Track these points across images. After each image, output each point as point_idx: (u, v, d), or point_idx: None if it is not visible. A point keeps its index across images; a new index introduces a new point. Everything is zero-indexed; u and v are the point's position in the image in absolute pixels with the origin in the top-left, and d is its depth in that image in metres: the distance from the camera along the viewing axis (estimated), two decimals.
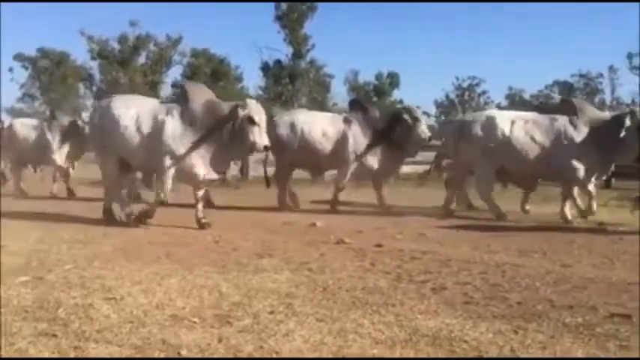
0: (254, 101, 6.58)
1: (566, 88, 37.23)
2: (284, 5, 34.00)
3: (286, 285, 3.75)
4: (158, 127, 6.36)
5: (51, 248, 4.84)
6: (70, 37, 60.53)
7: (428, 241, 5.61)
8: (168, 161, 6.32)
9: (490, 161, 7.36)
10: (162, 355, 2.52)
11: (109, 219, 6.56)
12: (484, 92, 39.18)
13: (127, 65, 35.95)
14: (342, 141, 8.16)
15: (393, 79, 38.20)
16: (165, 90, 37.92)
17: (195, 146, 6.30)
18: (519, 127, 7.31)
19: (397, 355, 2.56)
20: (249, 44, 49.51)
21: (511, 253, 5.04)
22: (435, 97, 40.95)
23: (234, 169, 14.73)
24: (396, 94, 38.70)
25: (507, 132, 7.29)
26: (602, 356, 2.61)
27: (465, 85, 38.68)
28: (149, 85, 35.51)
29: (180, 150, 6.29)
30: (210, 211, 8.11)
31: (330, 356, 2.54)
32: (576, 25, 48.61)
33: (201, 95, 6.59)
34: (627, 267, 4.53)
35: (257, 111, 6.34)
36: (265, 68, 35.61)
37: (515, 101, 38.31)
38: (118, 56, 36.09)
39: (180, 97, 6.66)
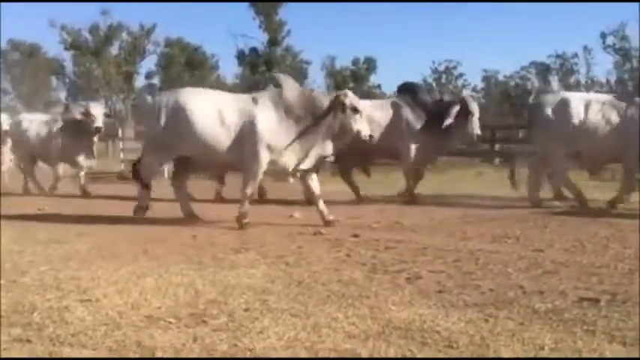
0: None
1: (542, 69, 37.49)
2: None
3: (262, 280, 3.78)
4: (249, 120, 6.03)
5: (25, 249, 4.80)
6: (39, 29, 59.51)
7: (404, 230, 5.67)
8: (264, 155, 6.01)
9: (565, 146, 7.09)
10: (136, 358, 2.54)
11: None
12: (461, 75, 39.35)
13: (100, 56, 35.46)
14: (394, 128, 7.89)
15: (370, 65, 38.22)
16: (140, 81, 37.57)
17: (298, 138, 6.04)
18: (595, 110, 7.08)
19: (370, 349, 2.60)
20: (225, 32, 49.07)
21: (485, 239, 5.12)
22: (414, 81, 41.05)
23: None
24: (374, 79, 38.77)
25: (583, 115, 7.06)
26: (570, 341, 2.67)
27: (441, 68, 38.76)
28: (124, 75, 35.11)
29: (277, 143, 6.02)
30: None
31: (304, 352, 2.57)
32: (550, 5, 48.80)
33: (294, 86, 6.38)
34: (597, 250, 4.63)
35: (358, 100, 6.25)
36: (241, 56, 35.39)
37: (492, 83, 38.56)
38: (91, 47, 35.57)
39: (273, 89, 6.29)
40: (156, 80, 38.18)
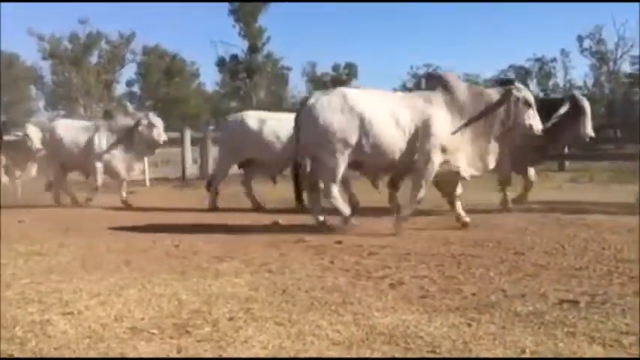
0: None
1: (521, 72, 37.93)
2: None
3: (246, 289, 3.78)
4: (424, 120, 5.76)
5: (7, 262, 4.75)
6: (15, 38, 58.87)
7: (387, 236, 5.69)
8: (438, 156, 5.77)
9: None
10: None
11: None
12: None
13: (80, 65, 35.19)
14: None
15: (351, 70, 38.37)
16: (119, 89, 37.34)
17: (473, 137, 5.78)
18: None
19: (354, 356, 2.62)
20: (205, 39, 48.94)
21: (467, 243, 5.16)
22: (394, 86, 41.30)
23: (193, 168, 14.67)
24: (355, 85, 38.87)
25: None
26: (550, 344, 2.71)
27: (421, 72, 38.98)
28: (103, 84, 34.88)
29: (450, 143, 5.77)
30: (168, 214, 8.10)
31: None
32: (529, 7, 49.46)
33: (462, 84, 6.17)
34: (577, 252, 4.69)
35: (530, 93, 6.00)
36: (221, 63, 35.34)
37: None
38: (70, 56, 35.29)
39: (442, 87, 5.98)
40: (136, 88, 38.00)
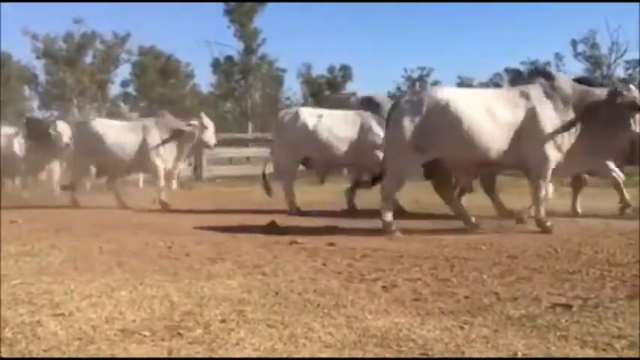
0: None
1: (516, 75, 37.98)
2: None
3: (238, 291, 3.76)
4: (529, 117, 5.63)
5: None
6: (9, 37, 58.61)
7: (380, 238, 5.69)
8: (553, 154, 5.60)
9: None
10: None
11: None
12: (436, 82, 39.71)
13: (74, 65, 35.09)
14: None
15: (346, 72, 38.40)
16: (114, 90, 37.24)
17: (580, 137, 5.60)
18: None
19: (346, 358, 2.60)
20: (199, 40, 48.89)
21: (460, 246, 5.16)
22: (388, 89, 41.35)
23: (187, 170, 14.60)
24: (350, 87, 38.92)
25: None
26: (543, 347, 2.71)
27: (415, 75, 39.12)
28: (97, 84, 34.79)
29: (562, 140, 5.63)
30: (163, 215, 8.07)
31: None
32: (523, 11, 49.67)
33: (567, 78, 6.03)
34: (570, 255, 4.70)
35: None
36: (216, 64, 35.31)
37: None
38: (65, 55, 35.18)
39: (543, 81, 5.85)
40: (130, 89, 37.91)
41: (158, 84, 36.44)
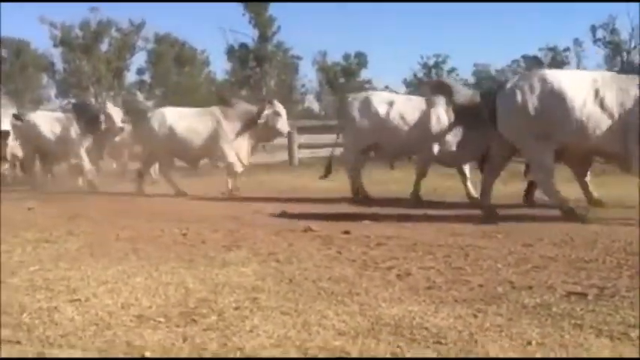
0: None
1: (534, 62, 37.60)
2: None
3: (253, 278, 3.78)
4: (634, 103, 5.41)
5: (14, 249, 4.78)
6: (28, 25, 58.98)
7: (395, 226, 5.68)
8: None
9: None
10: (126, 358, 2.54)
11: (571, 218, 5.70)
12: (453, 69, 39.42)
13: (90, 52, 35.27)
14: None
15: (361, 60, 38.20)
16: (130, 77, 37.41)
17: None
18: None
19: (359, 346, 2.61)
20: (214, 28, 48.86)
21: (475, 234, 5.13)
22: (404, 76, 41.09)
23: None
24: (365, 74, 38.78)
25: None
26: (557, 336, 2.69)
27: (431, 62, 38.83)
28: (113, 72, 34.96)
29: None
30: (176, 200, 8.12)
31: (294, 350, 2.58)
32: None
33: None
34: (586, 244, 4.65)
35: None
36: (231, 52, 35.30)
37: (483, 77, 38.62)
38: (81, 43, 35.37)
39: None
40: (146, 77, 38.06)
41: (173, 72, 36.53)
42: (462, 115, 7.07)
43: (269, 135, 9.28)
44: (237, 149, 8.94)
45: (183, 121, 9.13)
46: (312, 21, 55.41)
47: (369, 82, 37.76)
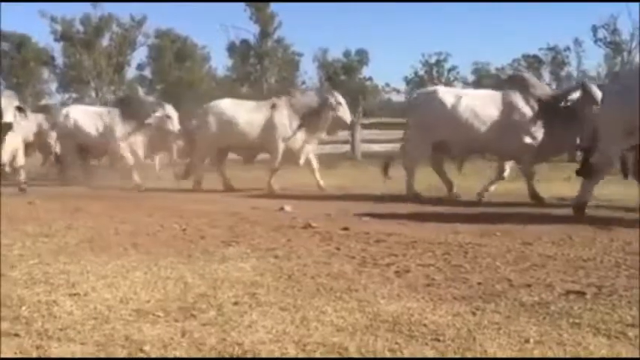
0: None
1: (534, 61, 37.54)
2: None
3: (252, 273, 3.79)
4: None
5: (14, 243, 4.78)
6: (29, 20, 58.85)
7: (394, 223, 5.68)
8: None
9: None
10: (124, 352, 2.54)
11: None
12: (453, 68, 39.34)
13: (91, 47, 35.18)
14: None
15: (362, 57, 38.11)
16: (130, 72, 37.35)
17: None
18: None
19: (357, 342, 2.61)
20: (215, 24, 48.79)
21: (474, 232, 5.13)
22: (405, 74, 41.01)
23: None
24: (366, 71, 38.68)
25: None
26: (555, 334, 2.70)
27: (432, 60, 38.74)
28: (114, 67, 34.90)
29: None
30: (175, 195, 8.13)
31: (292, 346, 2.59)
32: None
33: None
34: (585, 243, 4.66)
35: None
36: (232, 48, 35.25)
37: (483, 76, 38.55)
38: (82, 38, 35.28)
39: None
40: (147, 72, 38.00)
41: (174, 67, 36.46)
42: (545, 110, 6.94)
43: (332, 128, 8.98)
44: (297, 143, 8.68)
45: (240, 113, 8.89)
46: (312, 18, 55.33)
47: (369, 79, 37.74)
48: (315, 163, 8.84)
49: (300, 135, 8.71)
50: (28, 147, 12.18)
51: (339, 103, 8.73)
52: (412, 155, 7.71)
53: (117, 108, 10.35)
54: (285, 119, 8.70)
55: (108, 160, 10.83)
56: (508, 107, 7.25)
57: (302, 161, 8.79)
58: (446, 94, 7.54)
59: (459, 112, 7.30)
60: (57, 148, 11.08)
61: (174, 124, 9.66)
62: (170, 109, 9.79)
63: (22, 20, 60.26)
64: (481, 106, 7.33)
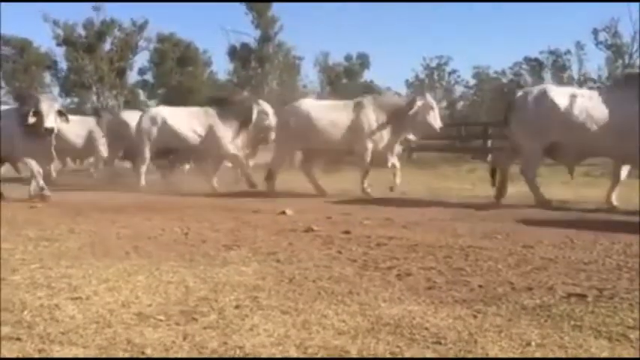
0: None
1: (535, 65, 37.55)
2: None
3: (253, 277, 3.79)
4: None
5: (16, 247, 4.79)
6: (31, 24, 58.98)
7: (395, 226, 5.69)
8: None
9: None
10: (126, 356, 2.54)
11: None
12: (454, 71, 39.37)
13: (93, 52, 35.25)
14: None
15: (363, 61, 38.16)
16: (132, 77, 37.42)
17: None
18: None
19: (359, 345, 2.62)
20: (216, 28, 48.87)
21: (476, 235, 5.14)
22: (406, 78, 41.03)
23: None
24: (367, 75, 38.73)
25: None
26: (557, 337, 2.70)
27: (433, 64, 38.79)
28: (116, 72, 34.95)
29: None
30: (176, 199, 8.13)
31: (294, 349, 2.59)
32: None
33: None
34: (586, 246, 4.66)
35: None
36: (233, 52, 35.30)
37: (483, 79, 38.57)
38: (84, 42, 35.36)
39: None
40: (148, 76, 38.06)
41: (176, 71, 36.51)
42: None
43: (420, 131, 8.72)
44: (383, 145, 8.43)
45: (323, 113, 8.59)
46: (314, 21, 55.45)
47: (371, 83, 37.75)
48: (398, 164, 8.60)
49: (387, 135, 8.44)
50: (78, 152, 12.13)
51: (430, 107, 8.39)
52: (525, 163, 7.22)
53: (211, 107, 9.78)
54: (371, 120, 8.41)
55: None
56: (626, 108, 6.74)
57: (390, 163, 8.51)
58: (558, 93, 7.09)
59: (573, 112, 6.85)
60: (105, 153, 11.01)
61: (272, 120, 9.37)
62: (266, 105, 9.50)
63: (24, 25, 60.39)
64: (598, 106, 6.86)
